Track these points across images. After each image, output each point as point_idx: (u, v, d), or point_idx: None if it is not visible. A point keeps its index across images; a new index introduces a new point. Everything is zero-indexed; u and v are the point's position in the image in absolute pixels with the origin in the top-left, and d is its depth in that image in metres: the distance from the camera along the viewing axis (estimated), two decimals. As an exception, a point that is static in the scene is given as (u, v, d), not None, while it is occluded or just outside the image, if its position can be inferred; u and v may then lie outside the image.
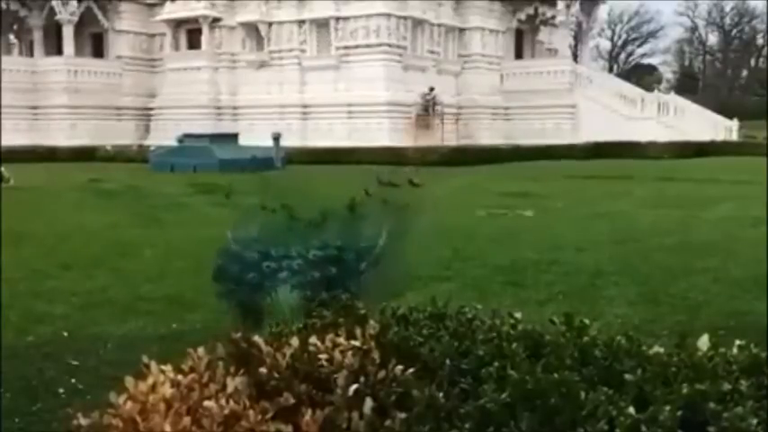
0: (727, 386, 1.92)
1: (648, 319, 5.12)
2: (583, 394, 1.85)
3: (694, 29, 71.01)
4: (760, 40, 67.18)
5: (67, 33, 35.43)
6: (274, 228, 4.20)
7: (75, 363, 4.23)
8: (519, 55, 38.85)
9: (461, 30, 36.34)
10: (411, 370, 2.03)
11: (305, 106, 33.23)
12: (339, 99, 32.15)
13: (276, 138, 24.66)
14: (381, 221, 4.10)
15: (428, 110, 33.58)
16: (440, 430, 1.87)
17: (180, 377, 2.10)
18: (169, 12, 36.33)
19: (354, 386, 1.98)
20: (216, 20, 35.56)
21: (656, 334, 4.50)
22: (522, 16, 37.77)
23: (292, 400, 1.99)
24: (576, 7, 36.91)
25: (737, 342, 2.24)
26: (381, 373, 2.03)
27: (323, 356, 2.15)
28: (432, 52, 34.81)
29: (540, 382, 1.88)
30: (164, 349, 3.73)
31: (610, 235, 9.16)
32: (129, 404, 1.96)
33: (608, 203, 12.88)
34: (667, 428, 1.75)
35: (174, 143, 27.21)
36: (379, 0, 32.14)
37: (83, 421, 1.97)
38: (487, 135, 34.32)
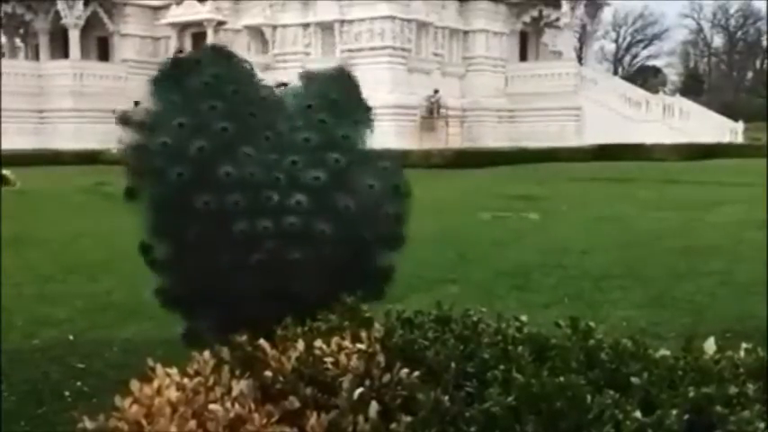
0: (733, 389, 1.91)
1: (654, 322, 5.10)
2: (589, 398, 1.85)
3: (699, 31, 70.90)
4: (765, 42, 67.00)
5: (73, 37, 35.54)
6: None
7: (81, 366, 4.23)
8: (523, 57, 38.84)
9: (465, 32, 36.36)
10: (416, 373, 2.03)
11: (309, 109, 33.25)
12: (343, 102, 32.15)
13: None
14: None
15: (432, 112, 33.61)
16: (445, 434, 1.87)
17: (185, 380, 2.10)
18: (174, 15, 36.43)
19: (359, 390, 1.98)
20: (221, 23, 35.65)
21: (662, 337, 4.49)
22: (527, 18, 37.76)
23: (297, 404, 1.99)
24: (580, 9, 36.91)
25: (744, 345, 2.23)
26: (386, 377, 2.03)
27: (328, 360, 2.14)
28: (436, 55, 34.83)
29: (546, 385, 1.87)
30: (169, 352, 3.73)
31: (615, 238, 9.14)
32: (135, 407, 1.96)
33: (613, 206, 12.85)
34: (674, 432, 1.74)
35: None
36: (384, 3, 32.17)
37: (88, 424, 1.97)
38: (492, 137, 34.32)
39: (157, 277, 3.16)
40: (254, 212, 2.84)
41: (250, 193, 2.84)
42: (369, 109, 3.23)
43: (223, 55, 3.12)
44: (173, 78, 3.03)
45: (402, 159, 3.36)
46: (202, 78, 2.97)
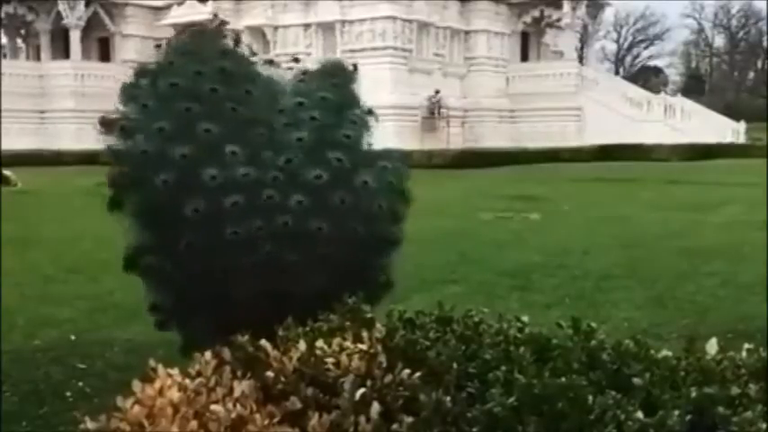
0: (735, 390, 1.91)
1: (656, 323, 5.10)
2: (591, 398, 1.85)
3: (701, 31, 70.90)
4: (766, 43, 66.92)
5: (74, 37, 35.58)
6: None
7: (82, 366, 4.23)
8: (525, 57, 38.84)
9: (467, 32, 36.35)
10: (418, 374, 2.03)
11: (311, 109, 33.26)
12: (345, 102, 32.18)
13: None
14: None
15: (434, 113, 33.60)
16: (447, 435, 1.86)
17: (187, 381, 2.10)
18: (175, 16, 36.44)
19: (361, 390, 1.98)
20: (222, 23, 35.64)
21: (663, 337, 4.49)
22: (528, 19, 37.76)
23: (299, 405, 1.99)
24: (581, 10, 36.89)
25: (746, 346, 2.23)
26: (388, 377, 2.03)
27: (329, 360, 2.14)
28: (437, 55, 34.82)
29: (548, 386, 1.87)
30: (170, 353, 3.73)
31: (616, 238, 9.13)
32: (137, 408, 1.96)
33: (614, 206, 12.85)
34: (676, 433, 1.74)
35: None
36: (385, 3, 32.17)
37: (90, 425, 1.97)
38: (493, 138, 34.31)
39: (150, 292, 3.12)
40: (249, 214, 2.76)
41: (246, 194, 2.76)
42: (370, 111, 3.15)
43: (212, 49, 3.00)
44: (154, 79, 2.95)
45: (405, 160, 3.30)
46: (181, 79, 2.88)
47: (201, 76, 2.89)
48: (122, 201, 2.98)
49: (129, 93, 2.96)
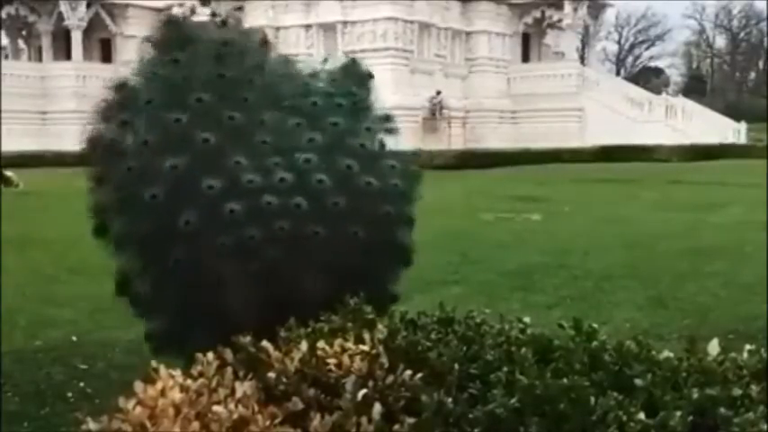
0: (737, 391, 1.91)
1: (657, 324, 5.10)
2: (592, 399, 1.85)
3: (702, 31, 70.87)
4: (767, 43, 66.89)
5: (76, 38, 35.57)
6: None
7: (84, 367, 4.24)
8: (526, 58, 38.82)
9: (468, 33, 36.33)
10: (419, 375, 2.03)
11: (312, 110, 33.26)
12: (346, 103, 32.19)
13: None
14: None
15: (435, 113, 33.59)
16: (449, 435, 1.87)
17: (189, 382, 2.10)
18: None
19: (363, 391, 1.98)
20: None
21: (665, 338, 4.49)
22: (529, 20, 37.74)
23: (301, 405, 1.99)
24: (582, 10, 36.87)
25: (747, 347, 2.23)
26: (390, 378, 2.03)
27: (331, 361, 2.15)
28: (438, 56, 34.80)
29: (550, 387, 1.87)
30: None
31: (618, 238, 9.13)
32: (138, 409, 1.96)
33: (616, 207, 12.84)
34: (677, 434, 1.74)
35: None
36: (386, 4, 32.17)
37: (92, 426, 1.97)
38: (494, 138, 34.29)
39: (145, 319, 3.06)
40: (250, 221, 2.67)
41: (249, 200, 2.67)
42: (387, 117, 3.16)
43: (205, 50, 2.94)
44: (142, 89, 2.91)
45: (413, 163, 3.27)
46: (172, 89, 2.79)
47: (193, 82, 2.81)
48: (107, 227, 2.89)
49: (112, 108, 2.94)
